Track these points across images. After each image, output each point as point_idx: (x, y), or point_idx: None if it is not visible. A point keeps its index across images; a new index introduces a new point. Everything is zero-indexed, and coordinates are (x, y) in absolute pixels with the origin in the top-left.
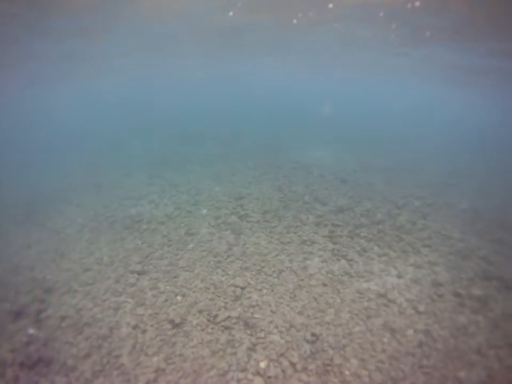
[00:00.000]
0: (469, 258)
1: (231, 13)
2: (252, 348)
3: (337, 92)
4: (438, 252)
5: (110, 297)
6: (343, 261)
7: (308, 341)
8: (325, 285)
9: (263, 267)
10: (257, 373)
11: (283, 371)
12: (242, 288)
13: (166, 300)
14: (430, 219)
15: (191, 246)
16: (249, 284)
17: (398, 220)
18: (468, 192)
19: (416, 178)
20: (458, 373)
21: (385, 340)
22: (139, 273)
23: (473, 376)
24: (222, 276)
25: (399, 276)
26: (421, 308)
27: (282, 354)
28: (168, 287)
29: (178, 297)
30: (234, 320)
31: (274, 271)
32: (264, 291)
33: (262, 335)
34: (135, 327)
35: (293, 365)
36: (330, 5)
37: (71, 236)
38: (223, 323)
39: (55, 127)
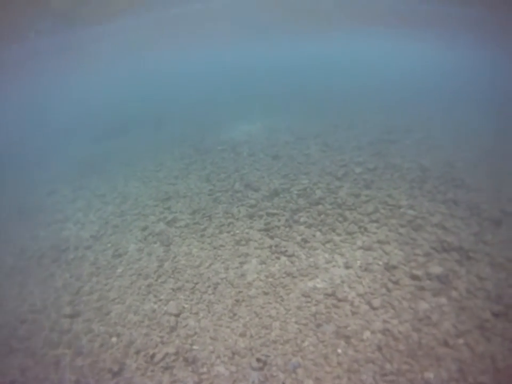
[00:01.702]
0: (422, 229)
1: None
2: None
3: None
4: (387, 226)
5: (49, 351)
6: (283, 258)
7: (254, 369)
8: (266, 293)
9: (197, 283)
10: None
11: None
12: (177, 316)
13: (101, 345)
14: (374, 187)
15: (119, 270)
16: (183, 308)
17: (339, 194)
18: (410, 148)
19: (354, 139)
20: (425, 374)
21: (339, 350)
22: (71, 316)
23: (442, 374)
24: (155, 303)
25: (347, 266)
26: (376, 302)
27: None
28: (101, 327)
29: (114, 339)
30: (173, 357)
31: (209, 286)
32: (201, 314)
33: (205, 369)
34: (77, 381)
35: None
36: None
37: (2, 283)
38: (161, 363)
39: None
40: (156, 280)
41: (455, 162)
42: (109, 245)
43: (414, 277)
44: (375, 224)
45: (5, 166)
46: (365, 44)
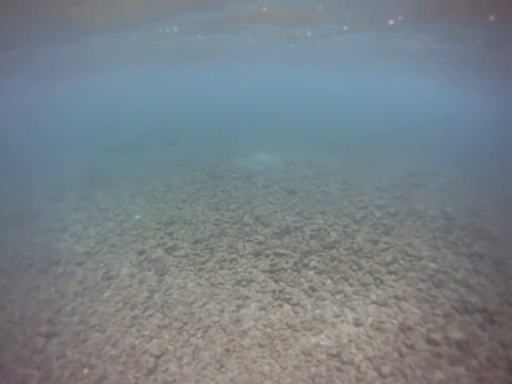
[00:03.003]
0: (444, 285)
1: None
2: None
3: (288, 85)
4: (405, 279)
5: (17, 369)
6: (286, 307)
7: None
8: (261, 345)
9: (186, 323)
10: None
11: None
12: (158, 357)
13: (72, 374)
14: (394, 234)
15: (106, 294)
16: (166, 349)
17: (356, 239)
18: (434, 193)
19: (375, 180)
20: None
21: None
22: (47, 335)
23: None
24: (136, 338)
25: (358, 323)
26: (386, 368)
27: None
28: (76, 355)
29: (86, 370)
30: None
31: (199, 329)
32: (185, 359)
33: None
34: None
35: None
36: None
37: None
38: None
39: None
40: (143, 313)
41: (481, 210)
42: (101, 264)
43: (431, 342)
44: (392, 276)
45: (14, 168)
46: (389, 82)
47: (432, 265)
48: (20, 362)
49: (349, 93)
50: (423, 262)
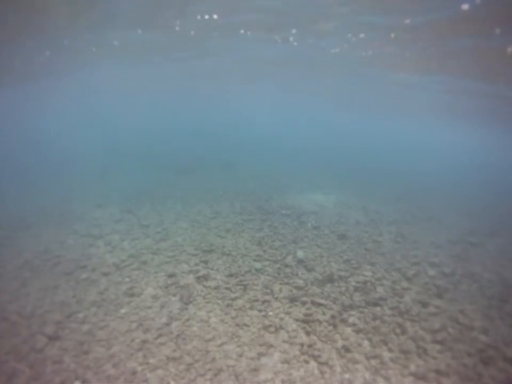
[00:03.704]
0: (492, 362)
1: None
2: None
3: (352, 126)
4: (451, 352)
5: (10, 361)
6: (312, 364)
7: None
8: None
9: (197, 361)
10: None
11: None
12: None
13: (62, 382)
14: (446, 298)
15: (123, 311)
16: None
17: (404, 299)
18: (493, 254)
19: (432, 234)
20: None
21: None
22: (50, 337)
23: None
24: (140, 364)
25: None
26: None
27: None
28: (73, 364)
29: (77, 383)
30: None
31: (210, 370)
32: None
33: None
34: None
35: None
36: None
37: (9, 273)
38: None
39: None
40: (155, 339)
41: None
42: (127, 279)
43: None
44: (437, 347)
45: (67, 170)
46: (450, 133)
47: (483, 337)
48: (15, 356)
49: (415, 141)
50: (473, 333)
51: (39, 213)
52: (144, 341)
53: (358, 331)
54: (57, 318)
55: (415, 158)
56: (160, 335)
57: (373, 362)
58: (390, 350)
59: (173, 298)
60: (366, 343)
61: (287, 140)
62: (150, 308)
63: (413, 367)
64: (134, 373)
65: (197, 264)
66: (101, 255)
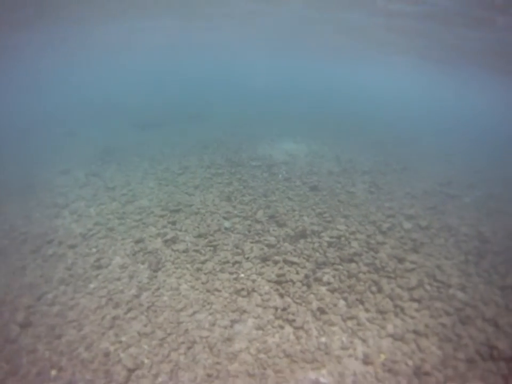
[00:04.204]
0: (471, 322)
1: None
2: None
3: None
4: (429, 310)
5: None
6: (287, 329)
7: None
8: (250, 375)
9: (170, 334)
10: None
11: None
12: (131, 371)
13: (39, 373)
14: (423, 252)
15: (92, 286)
16: (142, 363)
17: (380, 254)
18: (471, 208)
19: (408, 184)
20: None
21: None
22: (22, 325)
23: None
24: (112, 343)
25: (367, 360)
26: None
27: None
28: (47, 352)
29: (53, 372)
30: None
31: (183, 343)
32: (160, 378)
33: None
34: None
35: None
36: None
37: None
38: None
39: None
40: (125, 314)
41: None
42: (94, 249)
43: None
44: (415, 305)
45: (29, 137)
46: (430, 76)
47: (460, 295)
48: None
49: (396, 86)
50: (451, 290)
51: (2, 186)
52: (114, 318)
53: (333, 290)
54: (28, 302)
55: (390, 105)
56: (130, 309)
57: (350, 323)
58: (366, 310)
59: (142, 266)
60: (341, 303)
61: (258, 88)
62: (118, 279)
63: (390, 328)
64: (107, 354)
65: (164, 226)
66: (67, 226)
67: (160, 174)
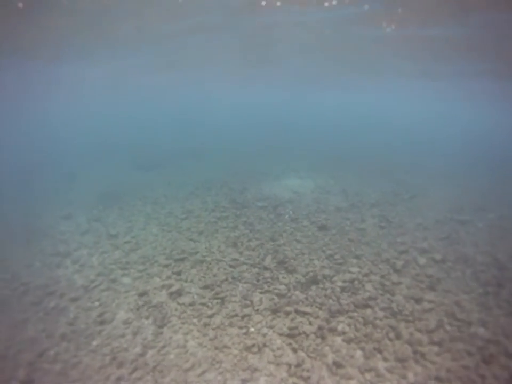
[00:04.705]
0: (494, 360)
1: None
2: None
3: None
4: (450, 353)
5: None
6: None
7: None
8: None
9: None
10: None
11: None
12: None
13: None
14: (440, 289)
15: (95, 343)
16: None
17: (396, 296)
18: (484, 233)
19: (419, 214)
20: None
21: None
22: (23, 382)
23: None
24: None
25: None
26: None
27: None
28: None
29: None
30: None
31: None
32: None
33: None
34: None
35: None
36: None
37: None
38: None
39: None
40: (130, 374)
41: None
42: (97, 303)
43: None
44: (435, 349)
45: (29, 180)
46: (432, 102)
47: (482, 331)
48: None
49: (392, 114)
50: (472, 328)
51: (4, 230)
52: (119, 378)
53: (349, 340)
54: (29, 358)
55: (389, 133)
56: (135, 369)
57: (368, 376)
58: (385, 359)
59: (146, 322)
60: (358, 353)
61: (257, 125)
62: (122, 336)
63: (411, 376)
64: None
65: (169, 277)
66: (69, 276)
67: (163, 219)
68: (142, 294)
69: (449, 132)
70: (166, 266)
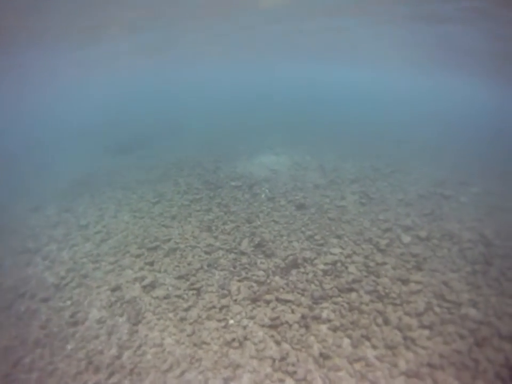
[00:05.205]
0: (487, 343)
1: None
2: None
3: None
4: (442, 336)
5: None
6: (289, 383)
7: None
8: None
9: None
10: None
11: None
12: None
13: None
14: (427, 269)
15: (70, 347)
16: None
17: (381, 278)
18: (468, 208)
19: (400, 189)
20: None
21: None
22: None
23: None
24: None
25: None
26: None
27: None
28: None
29: None
30: None
31: None
32: None
33: None
34: None
35: None
36: None
37: None
38: None
39: None
40: (107, 379)
41: None
42: (69, 302)
43: None
44: (426, 332)
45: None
46: (413, 76)
47: (473, 312)
48: None
49: (370, 87)
50: (463, 309)
51: None
52: None
53: (334, 329)
54: (4, 370)
55: (368, 107)
56: (112, 373)
57: (357, 366)
58: (374, 347)
59: (120, 320)
60: (346, 342)
61: (231, 98)
62: (97, 337)
63: (402, 364)
64: None
65: (141, 268)
66: (39, 275)
67: (134, 204)
68: (114, 289)
69: (435, 104)
70: (138, 256)
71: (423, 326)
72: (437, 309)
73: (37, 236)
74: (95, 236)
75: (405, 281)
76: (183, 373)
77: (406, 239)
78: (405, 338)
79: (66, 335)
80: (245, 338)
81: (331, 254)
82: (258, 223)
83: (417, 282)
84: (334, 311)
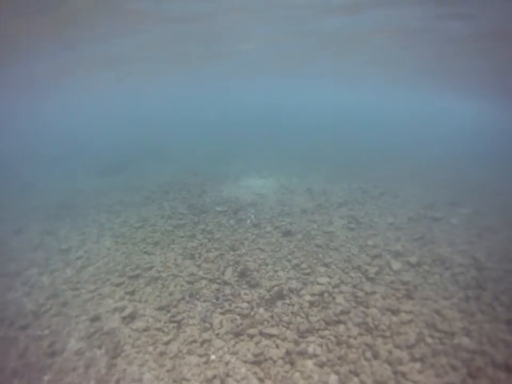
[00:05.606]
0: (482, 374)
1: None
2: None
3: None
4: (434, 369)
5: None
6: None
7: None
8: None
9: None
10: None
11: None
12: None
13: None
14: (417, 297)
15: (47, 378)
16: None
17: (370, 309)
18: (460, 230)
19: (390, 212)
20: None
21: None
22: None
23: None
24: None
25: None
26: None
27: None
28: None
29: None
30: None
31: None
32: None
33: None
34: None
35: None
36: None
37: None
38: None
39: None
40: None
41: None
42: (47, 331)
43: None
44: (417, 366)
45: None
46: (401, 96)
47: (466, 342)
48: None
49: (353, 106)
50: (455, 339)
51: None
52: None
53: (321, 364)
54: None
55: (357, 127)
56: None
57: None
58: (362, 383)
59: (99, 352)
60: (333, 378)
61: (219, 121)
62: (74, 370)
63: None
64: None
65: (121, 298)
66: (18, 301)
67: (117, 229)
68: (93, 319)
69: (424, 122)
70: (119, 285)
71: (414, 359)
72: (429, 340)
73: (18, 259)
74: (76, 262)
75: (395, 312)
76: None
77: (396, 265)
78: (395, 372)
79: (43, 366)
80: (227, 375)
81: (318, 283)
82: (243, 250)
83: (408, 312)
84: (320, 345)
